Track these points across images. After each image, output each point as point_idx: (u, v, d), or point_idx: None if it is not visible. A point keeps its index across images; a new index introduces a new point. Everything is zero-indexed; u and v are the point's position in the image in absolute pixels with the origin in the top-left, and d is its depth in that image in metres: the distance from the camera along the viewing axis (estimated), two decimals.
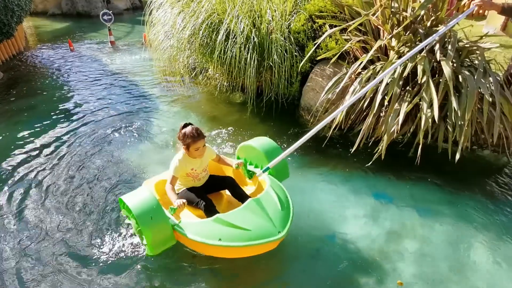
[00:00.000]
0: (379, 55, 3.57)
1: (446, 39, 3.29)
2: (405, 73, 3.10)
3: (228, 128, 4.09)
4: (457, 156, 2.85)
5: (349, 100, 2.10)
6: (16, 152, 3.66)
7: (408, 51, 3.23)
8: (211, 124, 4.27)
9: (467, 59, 3.38)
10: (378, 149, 3.11)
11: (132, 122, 4.36)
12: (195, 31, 4.44)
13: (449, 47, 3.07)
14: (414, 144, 3.07)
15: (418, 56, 3.09)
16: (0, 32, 6.16)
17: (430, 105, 2.93)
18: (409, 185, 3.10)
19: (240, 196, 2.42)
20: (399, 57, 3.27)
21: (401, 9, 3.43)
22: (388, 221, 2.68)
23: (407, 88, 3.28)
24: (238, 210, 2.03)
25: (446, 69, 2.87)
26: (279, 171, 2.54)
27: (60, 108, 4.82)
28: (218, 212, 2.20)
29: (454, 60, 3.07)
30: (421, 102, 3.00)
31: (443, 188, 3.05)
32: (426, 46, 2.98)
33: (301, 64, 4.04)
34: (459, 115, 2.90)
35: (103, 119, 4.45)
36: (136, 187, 2.38)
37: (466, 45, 3.31)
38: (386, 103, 3.19)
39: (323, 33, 3.77)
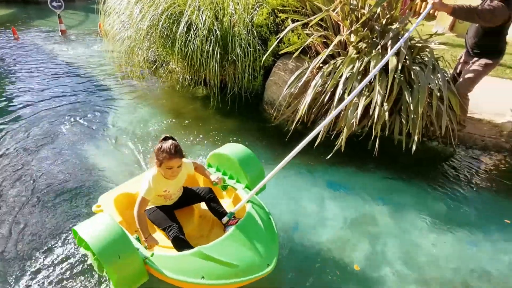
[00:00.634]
0: (339, 50, 3.68)
1: (399, 37, 3.46)
2: (361, 68, 3.24)
3: (191, 123, 3.98)
4: (413, 147, 3.06)
5: (345, 101, 2.20)
6: None
7: (365, 47, 3.38)
8: (172, 119, 4.14)
9: (418, 56, 3.60)
10: (338, 141, 3.23)
11: (83, 117, 4.09)
12: (154, 22, 4.25)
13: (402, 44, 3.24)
14: (372, 137, 3.22)
15: (373, 52, 3.23)
16: None
17: (385, 99, 3.09)
18: (366, 176, 3.26)
19: (218, 213, 2.17)
20: (358, 52, 3.40)
21: (359, 6, 3.55)
22: (346, 210, 2.81)
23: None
24: (222, 241, 1.80)
25: (392, 63, 3.06)
26: (256, 183, 2.20)
27: None
28: (190, 247, 1.90)
29: (407, 57, 3.25)
30: (374, 96, 3.15)
31: (396, 177, 3.26)
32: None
33: (263, 58, 4.04)
34: (411, 108, 3.10)
35: (48, 114, 4.11)
36: (86, 199, 2.02)
37: (417, 44, 3.52)
38: (346, 97, 3.29)
39: (286, 28, 3.80)
